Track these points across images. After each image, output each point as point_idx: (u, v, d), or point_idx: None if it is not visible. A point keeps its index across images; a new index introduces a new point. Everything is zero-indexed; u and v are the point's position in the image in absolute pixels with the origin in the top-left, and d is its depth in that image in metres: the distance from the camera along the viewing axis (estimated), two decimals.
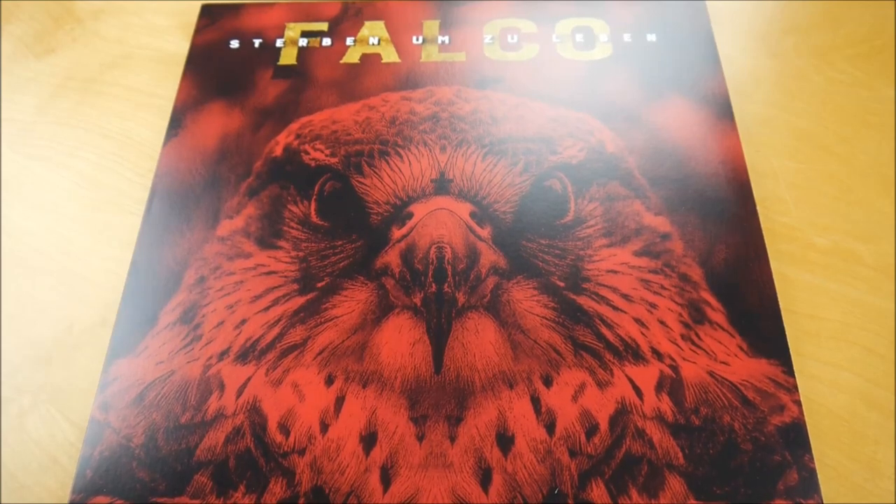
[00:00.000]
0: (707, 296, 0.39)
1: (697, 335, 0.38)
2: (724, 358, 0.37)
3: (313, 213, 0.42)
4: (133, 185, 0.46)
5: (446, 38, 0.50)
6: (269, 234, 0.41)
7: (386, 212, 0.41)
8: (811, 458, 0.34)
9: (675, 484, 0.33)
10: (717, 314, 0.38)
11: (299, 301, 0.39)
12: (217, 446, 0.35)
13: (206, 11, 0.53)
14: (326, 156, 0.44)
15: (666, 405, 0.35)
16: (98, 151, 0.48)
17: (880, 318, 0.40)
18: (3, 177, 0.47)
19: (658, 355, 0.37)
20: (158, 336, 0.39)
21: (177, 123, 0.47)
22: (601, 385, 0.36)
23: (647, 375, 0.36)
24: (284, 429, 0.35)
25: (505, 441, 0.35)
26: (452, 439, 0.35)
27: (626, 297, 0.39)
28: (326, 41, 0.50)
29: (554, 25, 0.51)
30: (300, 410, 0.36)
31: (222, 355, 0.38)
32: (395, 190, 0.42)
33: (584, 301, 0.39)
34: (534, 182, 0.42)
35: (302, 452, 0.35)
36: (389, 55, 0.49)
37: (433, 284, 0.38)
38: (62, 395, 0.39)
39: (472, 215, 0.40)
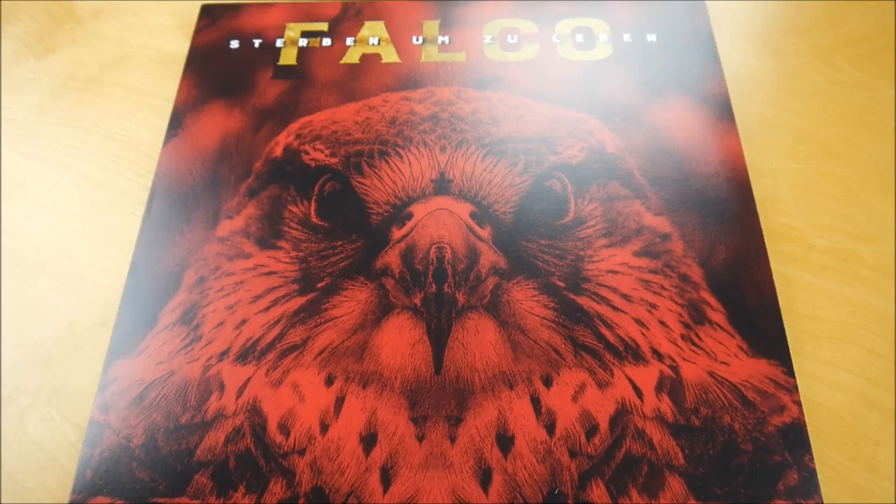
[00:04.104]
0: (707, 296, 0.39)
1: (697, 335, 0.38)
2: (724, 358, 0.37)
3: (313, 213, 0.42)
4: (133, 185, 0.47)
5: (446, 39, 0.50)
6: (269, 235, 0.41)
7: (386, 212, 0.41)
8: (811, 459, 0.34)
9: (675, 484, 0.33)
10: (717, 314, 0.38)
11: (299, 301, 0.39)
12: (217, 447, 0.35)
13: (206, 11, 0.53)
14: (326, 156, 0.44)
15: (666, 405, 0.35)
16: (98, 151, 0.48)
17: (880, 318, 0.40)
18: (3, 177, 0.47)
19: (658, 356, 0.37)
20: (158, 336, 0.39)
21: (177, 123, 0.47)
22: (601, 385, 0.36)
23: (647, 376, 0.36)
24: (284, 429, 0.35)
25: (505, 441, 0.35)
26: (452, 440, 0.35)
27: (626, 297, 0.39)
28: (326, 41, 0.50)
29: (554, 25, 0.51)
30: (300, 411, 0.36)
31: (222, 356, 0.38)
32: (395, 190, 0.42)
33: (584, 301, 0.39)
34: (534, 182, 0.42)
35: (302, 453, 0.35)
36: (389, 55, 0.49)
37: (433, 285, 0.38)
38: (62, 395, 0.39)
39: (473, 215, 0.40)
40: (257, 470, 0.35)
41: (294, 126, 0.46)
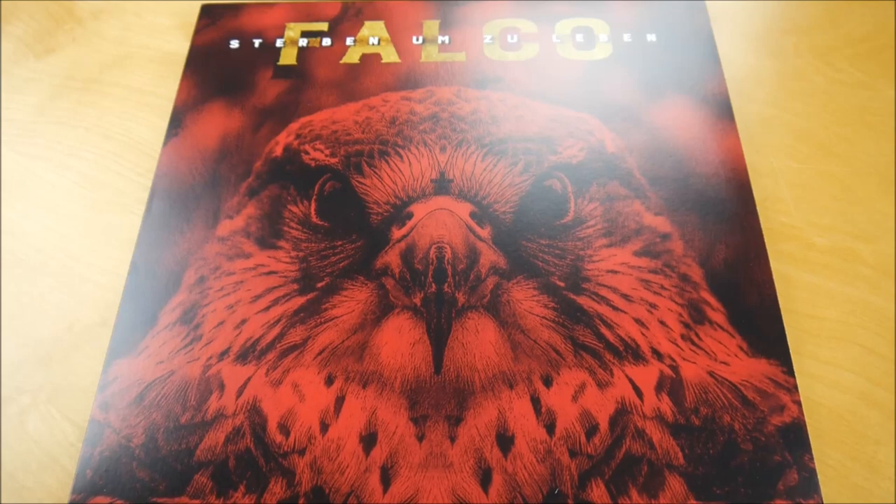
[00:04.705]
0: (707, 296, 0.39)
1: (697, 335, 0.38)
2: (724, 358, 0.37)
3: (313, 213, 0.42)
4: (133, 185, 0.47)
5: (446, 38, 0.50)
6: (269, 234, 0.41)
7: (386, 212, 0.41)
8: (811, 458, 0.34)
9: (675, 484, 0.33)
10: (717, 314, 0.38)
11: (299, 301, 0.39)
12: (217, 446, 0.35)
13: (206, 11, 0.53)
14: (326, 156, 0.44)
15: (666, 405, 0.35)
16: (98, 151, 0.48)
17: (880, 317, 0.40)
18: (3, 177, 0.47)
19: (658, 355, 0.37)
20: (158, 336, 0.39)
21: (177, 123, 0.47)
22: (601, 385, 0.36)
23: (647, 375, 0.36)
24: (284, 429, 0.35)
25: (505, 441, 0.35)
26: (452, 439, 0.35)
27: (626, 297, 0.39)
28: (326, 41, 0.50)
29: (554, 25, 0.51)
30: (300, 410, 0.36)
31: (222, 355, 0.38)
32: (395, 190, 0.42)
33: (584, 301, 0.39)
34: (534, 182, 0.42)
35: (302, 452, 0.35)
36: (389, 55, 0.49)
37: (433, 284, 0.38)
38: (62, 394, 0.39)
39: (472, 215, 0.40)
40: (257, 470, 0.35)
41: (294, 126, 0.46)
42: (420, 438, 0.35)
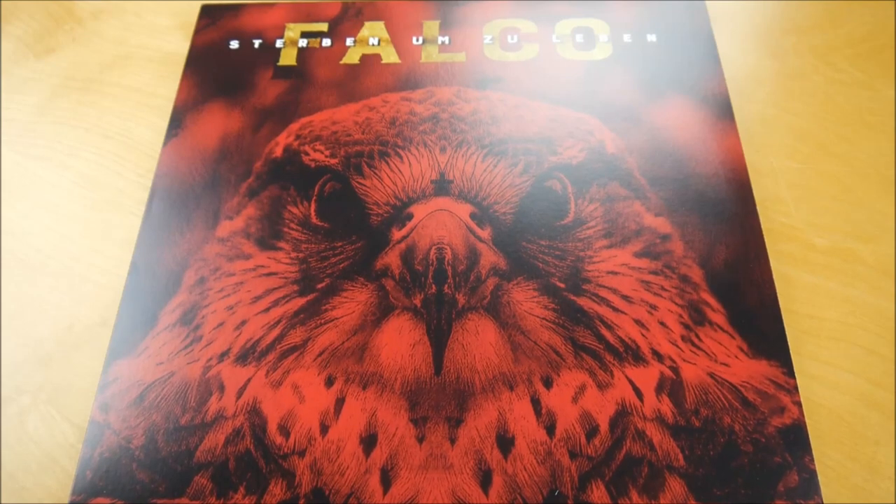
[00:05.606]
0: (707, 297, 0.39)
1: (698, 336, 0.38)
2: (724, 359, 0.37)
3: (313, 214, 0.42)
4: (133, 185, 0.46)
5: (446, 39, 0.50)
6: (269, 235, 0.41)
7: (386, 213, 0.41)
8: (811, 459, 0.34)
9: (675, 485, 0.33)
10: (718, 315, 0.38)
11: (299, 302, 0.39)
12: (217, 448, 0.35)
13: (206, 11, 0.53)
14: (326, 156, 0.44)
15: (666, 406, 0.35)
16: (98, 151, 0.48)
17: (880, 318, 0.40)
18: (3, 177, 0.47)
19: (658, 356, 0.37)
20: (158, 337, 0.39)
21: (177, 123, 0.47)
22: (601, 386, 0.36)
23: (647, 377, 0.36)
24: (284, 430, 0.35)
25: (505, 442, 0.35)
26: (452, 441, 0.35)
27: (626, 298, 0.39)
28: (326, 42, 0.50)
29: (554, 25, 0.51)
30: (300, 412, 0.36)
31: (222, 356, 0.38)
32: (395, 191, 0.42)
33: (584, 302, 0.39)
34: (534, 183, 0.42)
35: (302, 454, 0.35)
36: (389, 56, 0.49)
37: (433, 285, 0.38)
38: (62, 395, 0.39)
39: (473, 216, 0.40)
40: (257, 471, 0.35)
41: (294, 126, 0.46)
42: (420, 440, 0.35)
